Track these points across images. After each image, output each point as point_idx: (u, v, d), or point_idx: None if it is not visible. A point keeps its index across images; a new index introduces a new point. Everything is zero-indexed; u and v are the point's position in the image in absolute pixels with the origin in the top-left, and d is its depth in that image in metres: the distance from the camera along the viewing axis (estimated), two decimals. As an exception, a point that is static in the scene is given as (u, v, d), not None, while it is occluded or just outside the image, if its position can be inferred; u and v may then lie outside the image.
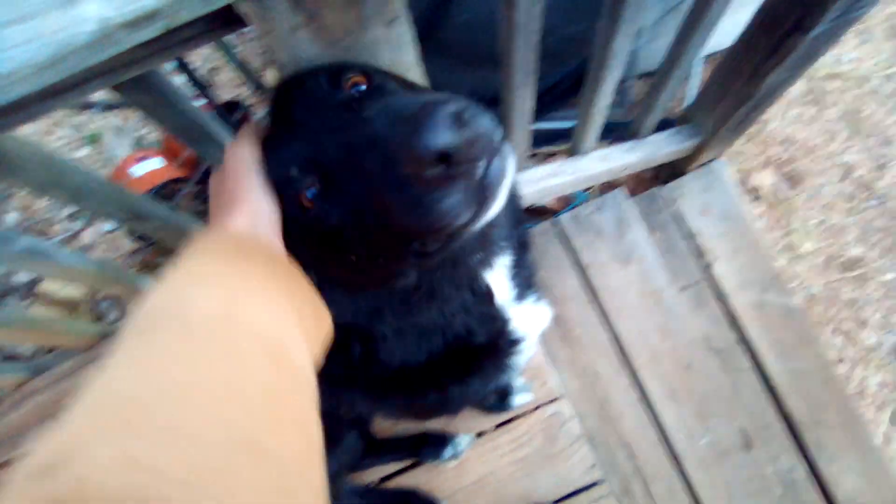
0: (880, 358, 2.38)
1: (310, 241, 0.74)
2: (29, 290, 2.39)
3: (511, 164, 0.62)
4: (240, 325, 0.56)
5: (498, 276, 0.93)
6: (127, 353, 0.52)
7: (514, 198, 0.99)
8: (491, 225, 0.74)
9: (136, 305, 0.56)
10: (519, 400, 1.82)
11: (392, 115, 0.59)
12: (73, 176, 1.05)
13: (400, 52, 0.95)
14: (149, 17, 0.61)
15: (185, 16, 0.65)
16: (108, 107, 2.61)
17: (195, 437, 0.44)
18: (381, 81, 0.79)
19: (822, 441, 2.13)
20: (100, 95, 2.64)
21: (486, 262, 0.88)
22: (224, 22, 0.78)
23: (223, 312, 0.56)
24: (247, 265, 0.62)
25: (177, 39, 0.78)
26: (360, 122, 0.65)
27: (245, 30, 0.84)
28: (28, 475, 0.40)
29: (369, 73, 0.79)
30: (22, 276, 2.41)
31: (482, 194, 0.59)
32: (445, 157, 0.55)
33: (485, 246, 0.84)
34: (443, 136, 0.54)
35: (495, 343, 1.02)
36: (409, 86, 0.87)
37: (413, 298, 0.83)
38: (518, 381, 1.84)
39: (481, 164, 0.58)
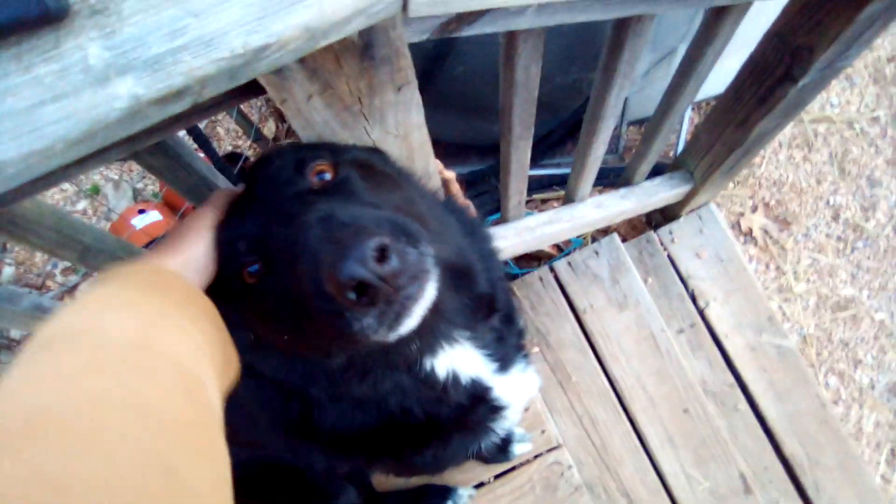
0: (875, 397, 2.39)
1: (247, 311, 0.77)
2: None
3: (431, 285, 0.66)
4: (155, 353, 0.54)
5: (462, 356, 0.95)
6: (35, 366, 0.49)
7: (492, 281, 1.01)
8: (430, 321, 0.76)
9: (43, 324, 0.53)
10: (519, 449, 1.82)
11: (328, 231, 0.63)
12: (83, 235, 1.06)
13: (408, 115, 0.99)
14: (177, 94, 0.64)
15: (211, 91, 0.67)
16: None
17: (111, 454, 0.41)
18: (346, 174, 0.82)
19: (821, 483, 2.13)
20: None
21: (429, 350, 0.88)
22: (243, 91, 0.81)
23: (139, 337, 0.54)
24: (162, 298, 0.62)
25: (198, 108, 0.80)
26: (301, 223, 0.68)
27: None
28: None
29: (337, 162, 0.83)
30: (17, 332, 2.41)
31: (396, 316, 0.64)
32: (363, 287, 0.59)
33: (423, 337, 0.85)
34: (360, 270, 0.58)
35: (459, 416, 1.02)
36: (378, 177, 0.90)
37: (344, 374, 0.85)
38: (518, 431, 1.84)
39: (400, 293, 0.62)
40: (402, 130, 1.00)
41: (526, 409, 1.89)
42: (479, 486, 1.86)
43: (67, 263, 2.53)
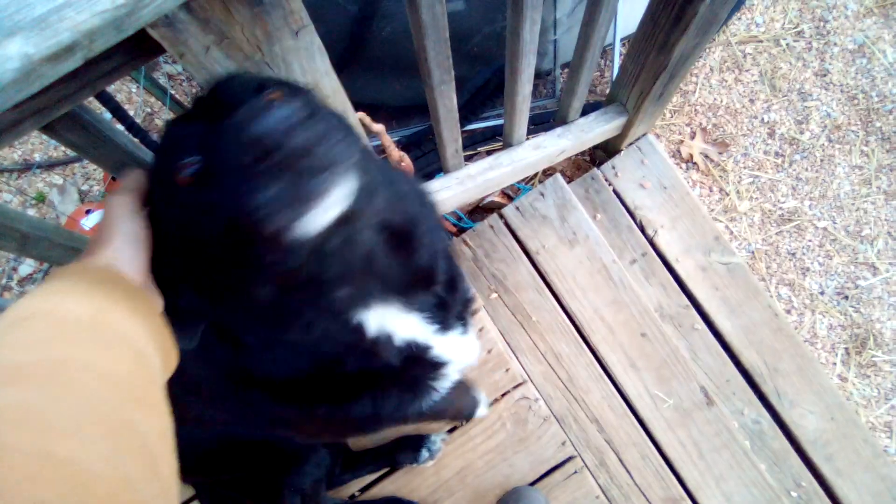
0: (826, 302, 2.49)
1: (173, 246, 0.75)
2: None
3: (345, 184, 0.63)
4: (108, 329, 0.60)
5: (397, 319, 0.96)
6: (10, 336, 0.55)
7: (433, 255, 0.99)
8: (361, 264, 0.78)
9: (10, 307, 0.59)
10: (481, 412, 1.87)
11: (253, 109, 0.60)
12: (20, 224, 1.07)
13: (312, 60, 1.00)
14: (67, 50, 0.66)
15: (101, 45, 0.69)
16: (47, 166, 2.61)
17: (77, 401, 0.49)
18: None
19: (781, 389, 2.23)
20: (38, 156, 2.64)
21: (360, 302, 0.88)
22: (141, 50, 0.82)
23: (93, 317, 0.60)
24: (108, 292, 0.66)
25: (100, 72, 0.82)
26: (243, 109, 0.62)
27: (175, 71, 0.87)
28: None
29: (291, 91, 0.77)
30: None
31: (298, 195, 0.60)
32: (266, 153, 0.57)
33: (352, 281, 0.84)
34: (262, 127, 0.57)
35: (396, 371, 1.04)
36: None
37: (274, 314, 0.84)
38: (482, 395, 1.88)
39: (311, 167, 0.60)
40: (311, 78, 1.02)
41: (489, 351, 1.94)
42: (452, 430, 1.91)
43: (26, 271, 2.52)
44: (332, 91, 1.11)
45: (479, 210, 2.52)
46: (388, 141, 1.53)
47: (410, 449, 1.86)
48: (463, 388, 1.82)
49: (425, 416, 1.41)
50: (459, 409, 1.78)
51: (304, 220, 0.62)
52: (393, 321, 0.95)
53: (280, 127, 0.57)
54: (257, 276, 0.75)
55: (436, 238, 1.00)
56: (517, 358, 2.11)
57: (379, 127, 1.45)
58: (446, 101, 1.58)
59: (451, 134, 1.77)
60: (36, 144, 2.65)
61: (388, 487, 1.89)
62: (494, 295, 2.19)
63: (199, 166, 0.67)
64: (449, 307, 1.09)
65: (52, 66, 0.67)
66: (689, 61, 1.84)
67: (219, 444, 1.44)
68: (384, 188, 0.83)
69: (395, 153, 1.58)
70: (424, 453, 1.84)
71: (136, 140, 1.14)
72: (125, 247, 0.73)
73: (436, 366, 1.11)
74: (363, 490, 1.90)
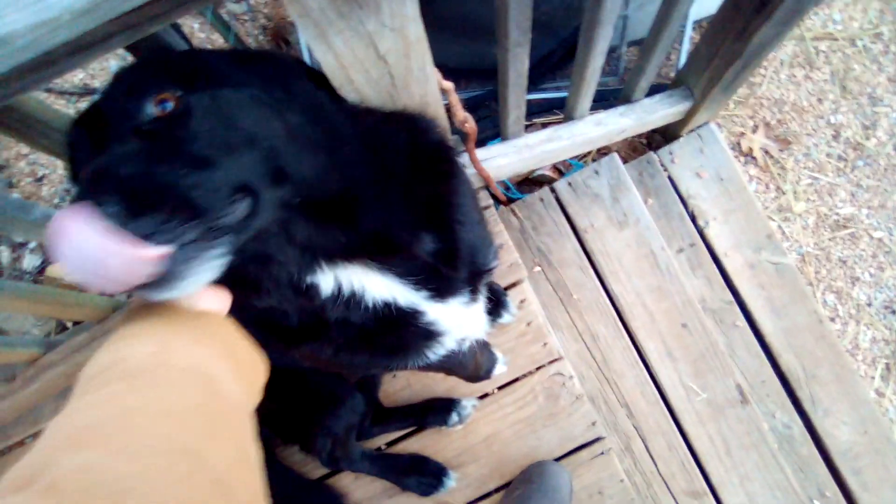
0: (871, 314, 2.43)
1: None
2: (37, 276, 2.43)
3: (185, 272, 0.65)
4: (171, 365, 0.65)
5: (362, 277, 0.97)
6: (78, 398, 0.60)
7: (387, 221, 0.97)
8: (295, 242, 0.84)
9: (88, 363, 0.65)
10: (498, 370, 1.86)
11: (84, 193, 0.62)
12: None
13: (402, 5, 0.99)
14: None
15: None
16: (83, 93, 2.63)
17: (140, 447, 0.54)
18: (189, 104, 0.74)
19: (817, 396, 2.19)
20: (98, 83, 2.65)
21: (306, 270, 0.91)
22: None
23: (154, 356, 0.65)
24: (168, 324, 0.71)
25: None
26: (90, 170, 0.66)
27: (241, 10, 0.86)
28: (9, 488, 0.50)
29: (186, 90, 0.76)
30: (29, 261, 2.44)
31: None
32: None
33: (290, 255, 0.88)
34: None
35: (380, 328, 1.05)
36: (238, 101, 0.81)
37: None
38: (499, 356, 1.87)
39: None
40: (398, 23, 1.00)
41: (528, 324, 1.93)
42: (483, 397, 1.91)
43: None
44: (415, 39, 1.10)
45: (528, 182, 2.49)
46: (456, 100, 1.49)
47: (441, 411, 1.86)
48: (479, 347, 1.81)
49: (430, 368, 1.42)
50: (477, 368, 1.77)
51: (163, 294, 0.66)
52: (361, 281, 0.96)
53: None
54: None
55: (388, 204, 0.97)
56: (554, 334, 2.09)
57: (448, 84, 1.41)
58: (518, 65, 1.55)
59: (517, 99, 1.74)
60: (97, 70, 2.66)
61: (413, 445, 1.90)
62: (538, 268, 2.17)
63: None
64: (447, 276, 1.08)
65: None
66: (765, 51, 1.78)
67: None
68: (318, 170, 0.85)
69: (461, 114, 1.55)
70: (454, 417, 1.84)
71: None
72: None
73: (428, 332, 1.11)
74: (389, 444, 1.91)
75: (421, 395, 1.91)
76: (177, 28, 1.92)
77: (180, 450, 0.55)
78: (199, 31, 2.69)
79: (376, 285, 0.98)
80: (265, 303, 0.94)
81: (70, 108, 2.63)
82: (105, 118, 0.76)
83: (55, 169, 2.57)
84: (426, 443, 1.89)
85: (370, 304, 0.99)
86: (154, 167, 0.66)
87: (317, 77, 0.99)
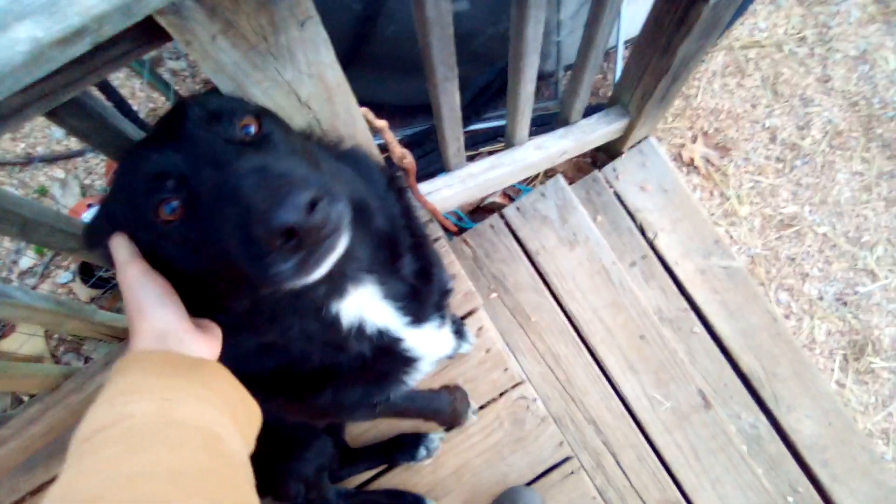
0: (825, 308, 2.49)
1: (156, 248, 0.80)
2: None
3: (345, 238, 0.71)
4: (175, 424, 0.64)
5: (370, 304, 0.99)
6: (78, 460, 0.59)
7: (390, 219, 1.04)
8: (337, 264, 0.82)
9: (81, 422, 0.64)
10: (471, 420, 1.89)
11: (262, 181, 0.66)
12: (21, 209, 1.08)
13: (317, 52, 1.01)
14: (76, 34, 0.67)
15: (110, 30, 0.70)
16: (50, 160, 2.61)
17: None
18: (270, 129, 0.84)
19: (779, 393, 2.23)
20: (41, 149, 2.65)
21: (336, 293, 0.92)
22: (148, 37, 0.83)
23: (157, 415, 0.64)
24: (172, 376, 0.70)
25: (107, 57, 0.83)
26: (236, 170, 0.70)
27: (179, 67, 0.88)
28: None
29: (261, 116, 0.85)
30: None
31: (312, 263, 0.69)
32: (291, 233, 0.63)
33: (331, 281, 0.89)
34: (293, 217, 0.62)
35: (364, 364, 1.07)
36: (289, 133, 0.91)
37: (250, 318, 0.89)
38: (472, 406, 1.90)
39: (322, 242, 0.68)
40: (315, 70, 1.03)
41: (487, 350, 1.94)
42: (450, 428, 1.91)
43: (27, 264, 2.52)
44: (335, 84, 1.12)
45: (480, 210, 2.52)
46: (391, 138, 1.52)
47: (408, 447, 1.86)
48: (450, 391, 1.85)
49: (401, 411, 1.41)
50: (454, 415, 1.82)
51: (312, 277, 0.71)
52: (366, 307, 0.98)
53: (297, 214, 0.63)
54: (239, 296, 0.82)
55: (389, 203, 1.06)
56: (515, 358, 2.11)
57: (381, 123, 1.44)
58: (449, 99, 1.58)
59: (453, 132, 1.77)
60: (39, 138, 2.66)
61: (385, 484, 1.89)
62: (494, 294, 2.19)
63: (177, 206, 0.75)
64: (423, 297, 1.11)
65: (61, 50, 0.68)
66: (691, 64, 1.85)
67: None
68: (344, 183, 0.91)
69: (398, 150, 1.58)
70: (422, 451, 1.84)
71: (137, 128, 1.14)
72: (159, 321, 0.76)
73: (406, 359, 1.14)
74: (360, 487, 1.90)
75: (387, 433, 1.91)
76: (113, 90, 1.94)
77: None
78: (139, 91, 2.70)
79: (375, 312, 1.00)
80: (277, 338, 0.95)
81: (13, 179, 2.62)
82: (195, 139, 0.78)
83: (1, 242, 2.54)
84: (396, 481, 1.88)
85: (370, 334, 1.01)
86: (289, 163, 0.74)
87: None
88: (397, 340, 1.08)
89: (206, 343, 0.79)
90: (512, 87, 1.75)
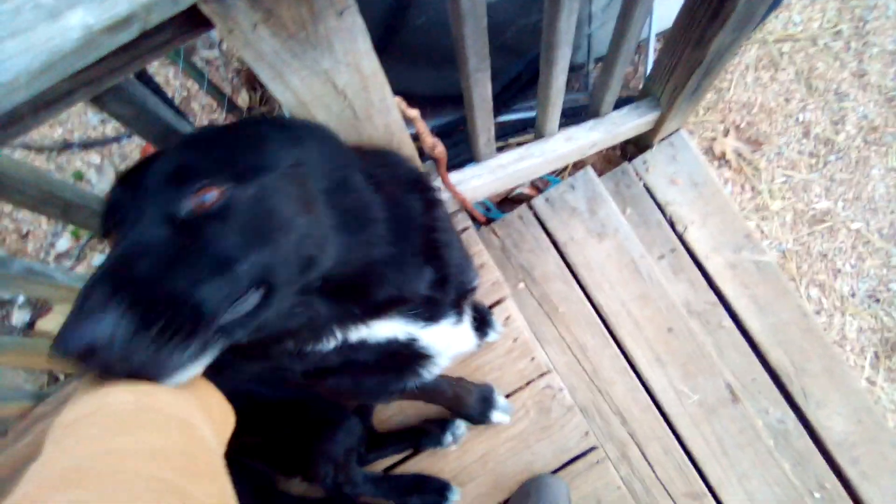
0: (856, 304, 2.46)
1: None
2: (27, 331, 2.45)
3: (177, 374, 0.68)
4: (149, 409, 0.64)
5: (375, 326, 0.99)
6: (63, 440, 0.60)
7: (398, 285, 0.98)
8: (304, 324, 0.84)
9: (60, 413, 0.65)
10: (497, 418, 1.87)
11: (96, 288, 0.64)
12: (64, 192, 1.12)
13: (354, 42, 1.03)
14: (125, 21, 0.69)
15: (156, 18, 0.73)
16: (86, 145, 2.67)
17: (131, 486, 0.54)
18: (229, 201, 0.73)
19: (808, 389, 2.21)
20: (77, 135, 2.71)
21: (313, 339, 0.92)
22: (191, 25, 0.85)
23: (136, 403, 0.64)
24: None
25: (152, 45, 0.86)
26: (118, 256, 0.69)
27: (213, 56, 0.91)
28: None
29: (231, 181, 0.74)
30: (18, 317, 2.46)
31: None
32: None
33: (297, 335, 0.89)
34: (69, 350, 0.61)
35: (376, 362, 1.08)
36: (275, 198, 0.79)
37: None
38: (501, 400, 1.90)
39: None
40: (352, 59, 1.05)
41: (514, 340, 1.95)
42: (477, 423, 1.92)
43: (64, 247, 2.58)
44: (371, 72, 1.13)
45: (508, 201, 2.53)
46: (423, 127, 1.54)
47: (435, 432, 1.87)
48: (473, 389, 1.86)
49: (421, 395, 1.41)
50: (454, 398, 1.81)
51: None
52: (368, 332, 0.98)
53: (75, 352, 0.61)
54: None
55: (401, 265, 0.97)
56: (542, 348, 2.12)
57: (414, 112, 1.46)
58: (481, 90, 1.59)
59: (484, 123, 1.78)
60: (76, 124, 2.72)
61: (411, 469, 1.91)
62: (522, 285, 2.20)
63: None
64: (439, 302, 1.10)
65: (111, 36, 0.70)
66: (725, 57, 1.83)
67: (244, 403, 1.47)
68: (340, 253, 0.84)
69: (429, 140, 1.60)
70: (448, 437, 1.86)
71: (175, 115, 1.17)
72: None
73: (421, 356, 1.14)
74: (386, 471, 1.92)
75: (414, 419, 1.93)
76: (149, 79, 1.98)
77: (170, 488, 0.56)
78: (173, 79, 2.75)
79: (381, 330, 1.01)
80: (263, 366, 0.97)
81: (50, 164, 2.68)
82: (145, 191, 0.75)
83: (39, 224, 2.61)
84: (422, 466, 1.90)
85: (373, 345, 1.02)
86: (172, 269, 0.67)
87: None
88: (411, 341, 1.08)
89: None
90: (543, 78, 1.75)
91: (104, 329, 0.60)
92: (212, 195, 0.71)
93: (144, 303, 0.63)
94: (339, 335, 0.93)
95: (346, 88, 1.11)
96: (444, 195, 1.90)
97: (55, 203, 1.13)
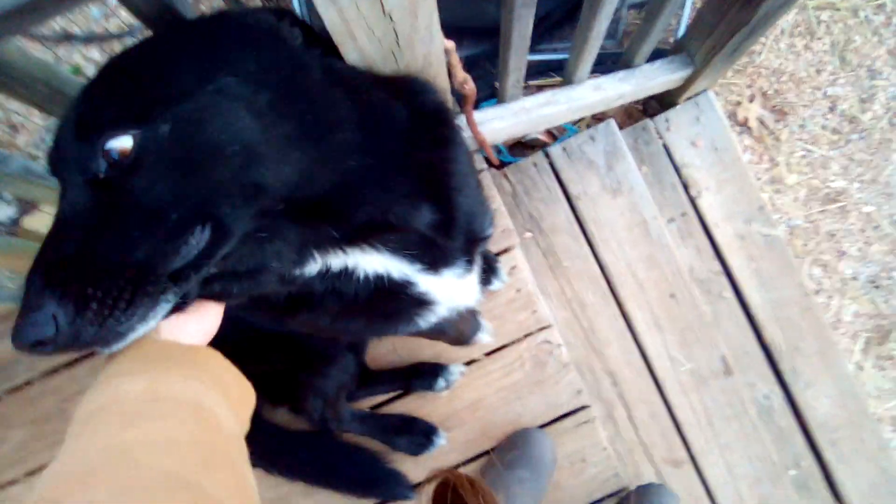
0: (856, 289, 2.44)
1: None
2: (12, 228, 2.36)
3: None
4: (164, 399, 0.65)
5: (362, 258, 0.92)
6: (75, 439, 0.61)
7: (383, 206, 0.89)
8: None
9: (78, 406, 0.66)
10: (482, 338, 1.85)
11: (37, 278, 0.64)
12: (72, 89, 1.03)
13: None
14: None
15: None
16: (88, 39, 2.52)
17: (144, 484, 0.55)
18: (144, 151, 0.66)
19: (798, 368, 2.21)
20: (78, 29, 2.55)
21: (295, 263, 0.85)
22: None
23: (149, 391, 0.65)
24: (164, 361, 0.71)
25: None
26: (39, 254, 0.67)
27: None
28: None
29: (142, 120, 0.67)
30: (3, 213, 2.37)
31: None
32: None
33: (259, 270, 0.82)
34: (21, 343, 0.61)
35: (371, 299, 1.01)
36: (214, 124, 0.70)
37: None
38: (485, 322, 1.86)
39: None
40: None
41: (518, 290, 1.91)
42: (470, 363, 1.90)
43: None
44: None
45: (520, 146, 2.44)
46: (457, 60, 1.44)
47: (428, 376, 1.85)
48: (465, 314, 1.79)
49: (416, 334, 1.38)
50: (459, 335, 1.75)
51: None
52: (354, 261, 0.92)
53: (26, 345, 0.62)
54: None
55: (386, 186, 0.89)
56: (543, 301, 2.08)
57: (449, 44, 1.35)
58: (522, 26, 1.49)
59: (517, 61, 1.69)
60: (77, 17, 2.56)
61: (398, 409, 1.89)
62: (528, 234, 2.14)
63: None
64: (442, 247, 1.03)
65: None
66: (772, 19, 1.74)
67: (239, 333, 1.41)
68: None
69: (460, 74, 1.50)
70: (441, 382, 1.84)
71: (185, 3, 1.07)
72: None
73: (420, 301, 1.08)
74: (374, 408, 1.90)
75: (407, 359, 1.91)
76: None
77: (182, 485, 0.56)
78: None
79: (370, 262, 0.94)
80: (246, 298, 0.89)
81: (47, 56, 2.53)
82: (61, 153, 0.71)
83: (30, 117, 2.48)
84: (411, 407, 1.89)
85: (362, 277, 0.95)
86: (102, 238, 0.65)
87: (308, 32, 0.89)
88: (407, 284, 1.01)
89: (199, 325, 0.78)
90: (584, 20, 1.65)
91: (44, 321, 0.61)
92: (120, 147, 0.66)
93: (77, 284, 0.62)
94: (318, 259, 0.87)
95: (392, 11, 1.01)
96: (464, 134, 1.81)
97: (62, 102, 1.03)
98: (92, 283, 0.62)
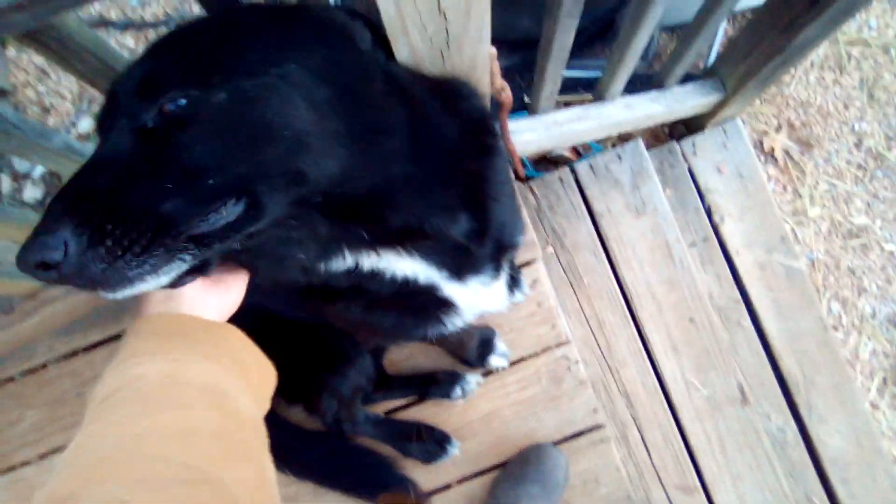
0: (875, 326, 2.42)
1: None
2: (39, 208, 2.36)
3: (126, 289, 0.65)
4: (184, 384, 0.65)
5: (390, 261, 0.93)
6: (92, 422, 0.62)
7: (418, 213, 0.89)
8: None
9: (95, 386, 0.67)
10: (495, 362, 1.83)
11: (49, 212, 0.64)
12: (120, 65, 1.03)
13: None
14: None
15: None
16: (126, 26, 2.54)
17: (161, 478, 0.55)
18: (199, 106, 0.69)
19: (813, 402, 2.19)
20: (115, 14, 2.57)
21: (323, 257, 0.87)
22: None
23: (166, 375, 0.65)
24: (181, 338, 0.71)
25: None
26: (86, 172, 0.68)
27: None
28: None
29: (202, 86, 0.69)
30: (30, 193, 2.37)
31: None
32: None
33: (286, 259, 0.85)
34: (27, 263, 0.61)
35: (397, 298, 1.03)
36: (263, 100, 0.72)
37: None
38: (501, 346, 1.85)
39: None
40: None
41: (539, 304, 1.90)
42: (488, 374, 1.88)
43: (85, 128, 2.47)
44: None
45: (544, 161, 2.44)
46: (497, 68, 1.44)
47: (445, 384, 1.84)
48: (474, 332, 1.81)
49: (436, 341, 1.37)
50: (459, 344, 1.78)
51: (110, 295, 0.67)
52: (383, 262, 0.92)
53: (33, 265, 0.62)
54: None
55: (425, 195, 0.89)
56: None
57: (492, 50, 1.36)
58: (564, 37, 1.50)
59: (554, 73, 1.69)
60: (114, 3, 2.57)
61: (413, 415, 1.88)
62: (550, 249, 2.13)
63: None
64: (473, 254, 1.04)
65: None
66: (807, 50, 1.74)
67: (260, 322, 1.40)
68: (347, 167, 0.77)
69: (499, 81, 1.49)
70: (458, 390, 1.82)
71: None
72: (170, 295, 0.78)
73: (445, 305, 1.09)
74: (388, 413, 1.88)
75: (425, 366, 1.89)
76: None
77: (201, 479, 0.56)
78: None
79: (401, 265, 0.94)
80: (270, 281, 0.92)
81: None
82: (116, 101, 0.73)
83: (63, 100, 2.49)
84: (426, 414, 1.87)
85: (388, 278, 0.95)
86: (135, 182, 0.66)
87: (376, 34, 0.91)
88: (432, 288, 1.02)
89: (220, 299, 0.79)
90: (624, 37, 1.65)
91: (55, 245, 0.60)
92: (177, 103, 0.68)
93: (97, 218, 0.62)
94: (349, 258, 0.88)
95: (447, 8, 1.01)
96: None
97: (110, 77, 1.03)
98: (112, 220, 0.62)
